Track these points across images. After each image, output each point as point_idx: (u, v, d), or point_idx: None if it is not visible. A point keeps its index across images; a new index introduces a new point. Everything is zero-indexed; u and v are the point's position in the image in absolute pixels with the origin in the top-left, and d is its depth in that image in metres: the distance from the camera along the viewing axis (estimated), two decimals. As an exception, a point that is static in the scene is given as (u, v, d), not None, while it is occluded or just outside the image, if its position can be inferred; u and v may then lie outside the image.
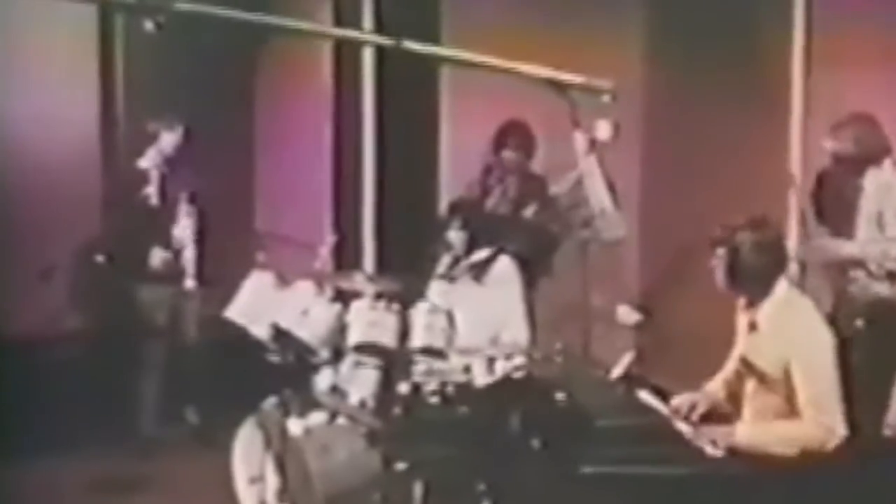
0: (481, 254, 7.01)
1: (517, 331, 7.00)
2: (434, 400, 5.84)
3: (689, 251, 7.05)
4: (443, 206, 8.28)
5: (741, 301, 5.64)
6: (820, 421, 5.22)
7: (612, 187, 4.05)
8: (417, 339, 6.26)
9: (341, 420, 6.22)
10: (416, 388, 5.94)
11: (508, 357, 6.10)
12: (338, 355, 6.35)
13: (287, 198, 9.14)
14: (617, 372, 5.52)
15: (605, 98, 3.80)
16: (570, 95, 3.86)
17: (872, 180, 6.81)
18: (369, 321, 6.26)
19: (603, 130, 3.96)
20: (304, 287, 6.58)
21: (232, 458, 6.47)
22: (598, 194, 3.97)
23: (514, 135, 7.96)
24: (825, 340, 5.32)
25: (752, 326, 5.51)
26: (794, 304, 5.48)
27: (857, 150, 6.74)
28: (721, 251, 5.42)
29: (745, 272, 5.39)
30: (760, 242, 5.38)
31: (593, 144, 3.94)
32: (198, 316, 8.12)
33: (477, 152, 8.13)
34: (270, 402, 6.36)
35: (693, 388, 5.94)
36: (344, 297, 6.56)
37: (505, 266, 7.16)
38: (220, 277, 7.69)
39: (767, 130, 7.80)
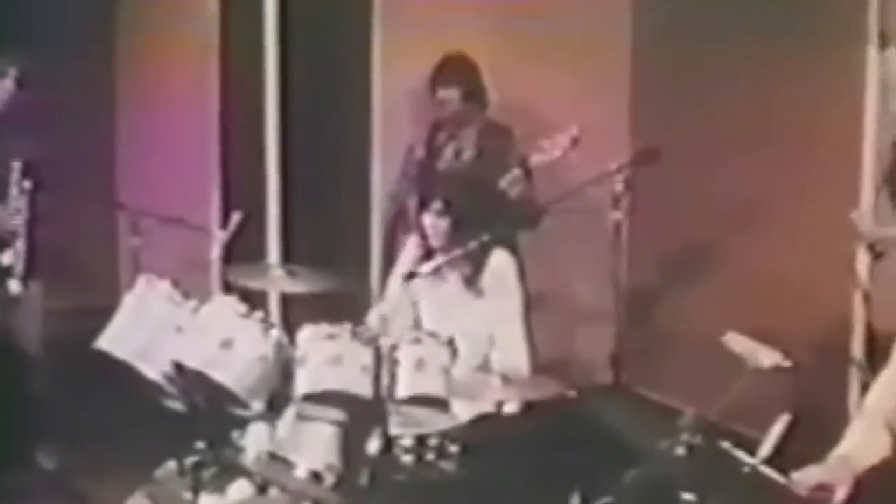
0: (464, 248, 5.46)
1: (514, 354, 5.53)
2: (408, 459, 4.91)
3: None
4: (376, 176, 7.36)
5: None
6: None
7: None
8: (404, 386, 4.77)
9: (273, 492, 5.04)
10: (388, 442, 4.87)
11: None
12: (275, 404, 5.03)
13: (158, 167, 8.29)
14: (766, 450, 4.04)
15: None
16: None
17: None
18: (329, 358, 4.76)
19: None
20: (225, 305, 5.15)
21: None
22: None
23: (455, 72, 6.64)
24: None
25: None
26: None
27: None
28: None
29: None
30: None
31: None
32: (43, 326, 7.01)
33: (420, 104, 6.98)
34: (168, 468, 5.27)
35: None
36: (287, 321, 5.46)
37: (501, 264, 5.63)
38: (74, 272, 7.28)
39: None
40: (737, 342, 4.43)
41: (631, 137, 7.42)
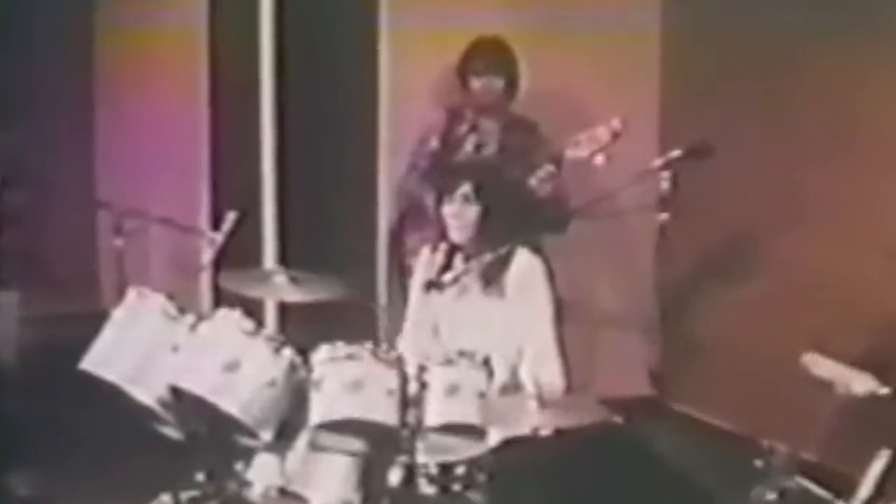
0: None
1: (546, 367, 5.06)
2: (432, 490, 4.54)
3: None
4: (382, 172, 6.99)
5: None
6: None
7: None
8: (435, 413, 4.35)
9: (283, 527, 4.73)
10: (410, 470, 4.49)
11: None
12: (285, 433, 4.57)
13: (142, 164, 8.05)
14: (865, 492, 3.61)
15: None
16: None
17: None
18: (348, 382, 4.35)
19: None
20: (228, 321, 4.64)
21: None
22: None
23: (497, 59, 6.21)
24: None
25: None
26: None
27: None
28: None
29: None
30: None
31: None
32: (19, 335, 7.11)
33: (436, 92, 6.70)
34: (162, 502, 4.95)
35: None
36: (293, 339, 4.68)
37: (527, 267, 5.19)
38: (51, 277, 7.56)
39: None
40: (819, 365, 3.86)
41: (660, 135, 7.15)
